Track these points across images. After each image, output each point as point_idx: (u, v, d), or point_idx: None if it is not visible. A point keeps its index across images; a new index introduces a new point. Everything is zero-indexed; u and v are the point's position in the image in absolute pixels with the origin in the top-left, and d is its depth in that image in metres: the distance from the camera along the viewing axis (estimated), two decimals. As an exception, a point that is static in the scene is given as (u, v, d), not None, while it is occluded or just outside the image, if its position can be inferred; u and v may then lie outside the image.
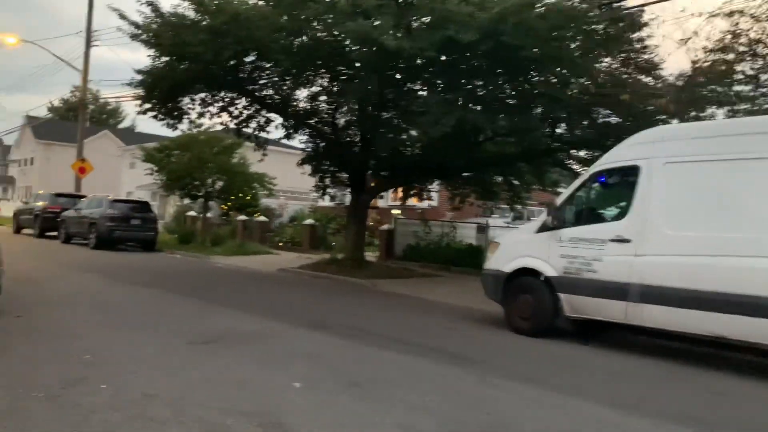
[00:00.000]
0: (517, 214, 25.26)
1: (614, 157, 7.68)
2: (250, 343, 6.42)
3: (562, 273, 7.66)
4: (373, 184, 15.35)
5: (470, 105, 9.44)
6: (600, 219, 7.76)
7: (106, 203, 19.18)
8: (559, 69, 9.45)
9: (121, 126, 61.86)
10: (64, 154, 44.44)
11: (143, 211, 19.72)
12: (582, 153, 15.44)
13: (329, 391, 4.83)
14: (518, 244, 8.35)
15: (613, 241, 7.18)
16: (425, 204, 17.45)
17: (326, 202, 33.54)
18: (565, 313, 7.62)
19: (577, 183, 7.97)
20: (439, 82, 9.45)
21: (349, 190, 15.72)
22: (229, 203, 25.34)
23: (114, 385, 4.64)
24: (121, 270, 13.60)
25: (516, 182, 17.04)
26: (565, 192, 8.15)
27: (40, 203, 23.29)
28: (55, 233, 21.78)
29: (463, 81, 9.46)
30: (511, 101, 10.46)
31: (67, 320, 7.25)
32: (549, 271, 7.77)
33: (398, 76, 10.52)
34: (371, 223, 25.07)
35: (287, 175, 26.56)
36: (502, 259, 8.38)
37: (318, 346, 6.49)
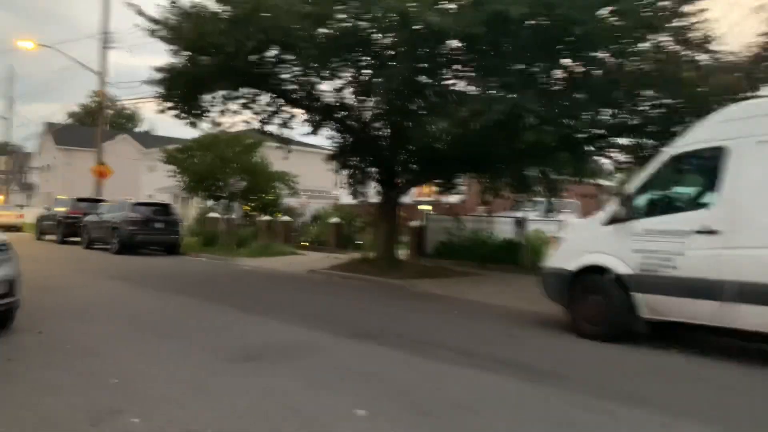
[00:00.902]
0: (549, 206, 24.43)
1: (695, 138, 6.82)
2: (295, 359, 5.70)
3: (637, 270, 6.84)
4: (402, 180, 14.58)
5: (521, 89, 8.60)
6: (680, 208, 6.90)
7: (127, 207, 18.67)
8: (616, 46, 8.58)
9: (139, 130, 61.84)
10: (84, 160, 44.39)
11: (165, 213, 19.19)
12: (623, 141, 14.60)
13: (396, 421, 4.09)
14: (584, 239, 7.53)
15: (698, 232, 6.34)
16: (454, 199, 16.63)
17: (348, 199, 32.98)
18: (642, 315, 6.80)
19: (651, 168, 7.12)
20: (484, 64, 8.61)
21: (377, 186, 14.95)
22: (252, 203, 24.79)
23: (150, 418, 3.95)
24: (145, 276, 13.02)
25: (552, 174, 16.17)
26: (637, 178, 7.31)
27: (61, 209, 22.93)
28: (77, 239, 21.39)
29: (510, 63, 8.62)
30: (560, 85, 9.58)
31: (92, 335, 6.61)
32: (621, 268, 6.96)
33: (437, 60, 9.68)
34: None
35: (307, 174, 25.99)
36: (565, 257, 7.58)
37: (371, 361, 5.75)
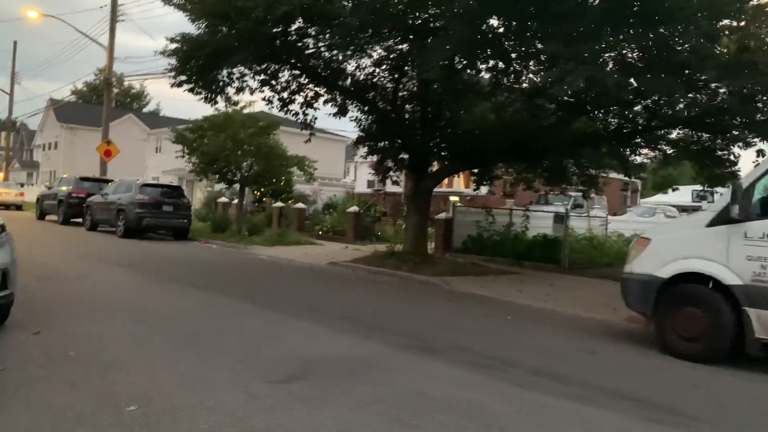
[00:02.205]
0: (577, 201, 23.30)
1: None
2: (349, 379, 4.60)
3: (750, 281, 5.73)
4: (435, 168, 13.44)
5: (598, 62, 7.45)
6: (812, 209, 5.78)
7: (135, 188, 17.55)
8: (710, 19, 7.40)
9: (145, 110, 60.61)
10: (88, 138, 43.27)
11: (175, 196, 18.07)
12: (674, 134, 13.45)
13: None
14: (680, 242, 6.39)
15: (839, 239, 5.22)
16: (477, 191, 15.50)
17: (363, 188, 31.79)
18: (755, 335, 5.69)
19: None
20: (551, 32, 7.43)
21: (408, 173, 13.81)
22: (263, 189, 23.66)
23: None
24: (155, 263, 11.93)
25: (593, 166, 15.02)
26: (754, 171, 6.18)
27: (64, 188, 21.81)
28: (80, 220, 20.30)
29: (585, 31, 7.44)
30: (640, 61, 8.38)
31: (99, 338, 5.51)
32: (729, 277, 5.84)
33: (497, 28, 8.46)
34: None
35: (318, 161, 24.83)
36: (654, 261, 6.44)
37: (446, 385, 4.63)
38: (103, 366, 4.61)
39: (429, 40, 8.90)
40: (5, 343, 5.21)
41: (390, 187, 29.08)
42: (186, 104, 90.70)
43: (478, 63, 9.39)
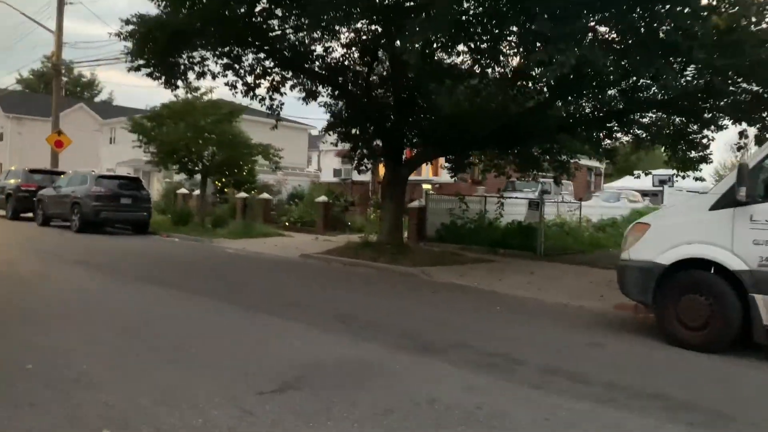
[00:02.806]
0: (544, 187, 23.25)
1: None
2: (353, 387, 4.16)
3: (756, 266, 5.51)
4: (409, 156, 13.02)
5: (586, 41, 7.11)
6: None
7: (90, 180, 16.57)
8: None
9: (97, 99, 58.21)
10: (36, 129, 41.19)
11: (134, 188, 17.16)
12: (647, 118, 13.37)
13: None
14: (682, 226, 6.14)
15: None
16: (454, 178, 15.17)
17: (329, 177, 31.23)
18: (765, 322, 5.48)
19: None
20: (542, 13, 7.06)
21: (382, 160, 13.37)
22: (225, 179, 22.83)
23: None
24: (116, 260, 11.19)
25: (564, 152, 14.88)
26: (759, 151, 5.96)
27: (12, 181, 20.55)
28: (30, 214, 19.15)
29: (570, 10, 7.09)
30: (625, 41, 8.09)
31: (62, 348, 4.91)
32: (735, 263, 5.62)
33: (479, 6, 8.04)
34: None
35: (283, 150, 24.12)
36: (654, 247, 6.18)
37: (459, 391, 4.22)
38: (69, 382, 4.05)
39: (410, 19, 8.41)
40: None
41: (357, 176, 28.67)
42: (140, 93, 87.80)
43: (460, 44, 8.96)
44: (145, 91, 68.68)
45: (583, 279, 10.69)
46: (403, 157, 12.99)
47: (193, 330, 5.79)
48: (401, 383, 4.29)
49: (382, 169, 27.11)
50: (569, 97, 10.29)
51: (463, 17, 7.89)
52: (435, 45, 8.81)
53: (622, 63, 7.52)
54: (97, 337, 5.35)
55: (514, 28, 8.26)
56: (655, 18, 7.76)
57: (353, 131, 13.10)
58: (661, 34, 7.65)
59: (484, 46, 8.60)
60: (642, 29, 7.64)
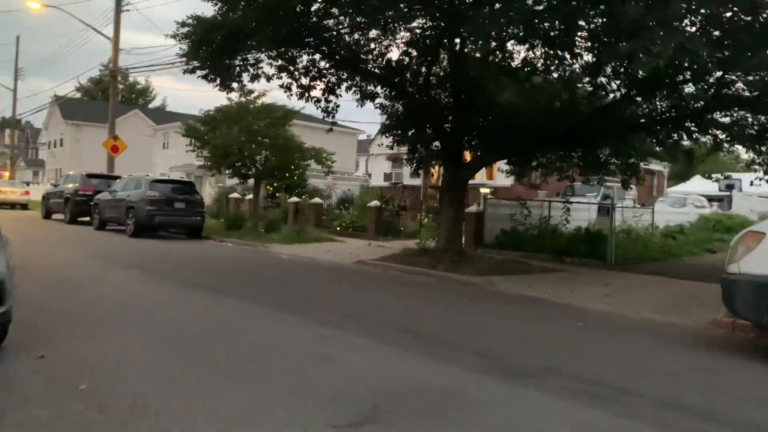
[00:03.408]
0: (606, 193, 22.17)
1: None
2: (441, 421, 3.59)
3: None
4: (471, 156, 12.39)
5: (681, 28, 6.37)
6: None
7: (145, 184, 16.58)
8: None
9: (151, 106, 59.67)
10: (94, 135, 42.38)
11: (188, 192, 17.09)
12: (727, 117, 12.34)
13: None
14: (809, 237, 5.35)
15: None
16: (519, 181, 14.42)
17: (379, 181, 30.79)
18: None
19: None
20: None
21: (442, 163, 12.76)
22: (276, 183, 22.67)
23: None
24: (171, 265, 10.96)
25: (636, 154, 13.93)
26: None
27: (70, 185, 20.86)
28: (87, 218, 19.37)
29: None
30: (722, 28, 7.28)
31: (116, 363, 4.53)
32: None
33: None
34: (435, 204, 22.25)
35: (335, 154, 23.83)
36: (774, 260, 5.40)
37: (569, 428, 3.61)
38: (124, 406, 3.62)
39: (478, 11, 7.82)
40: (4, 371, 4.24)
41: (408, 180, 28.14)
42: (192, 99, 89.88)
43: (532, 36, 8.29)
44: (197, 98, 70.24)
45: (664, 291, 9.83)
46: (463, 159, 12.36)
47: (254, 344, 5.33)
48: (494, 417, 3.69)
49: (435, 173, 26.51)
50: (648, 94, 9.47)
51: (537, 6, 7.23)
52: (504, 37, 8.18)
53: (720, 54, 6.73)
54: (154, 350, 4.96)
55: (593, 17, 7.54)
56: (755, 4, 6.93)
57: (410, 133, 12.54)
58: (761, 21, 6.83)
59: (558, 38, 7.89)
60: (740, 14, 6.83)
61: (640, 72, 6.80)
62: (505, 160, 13.46)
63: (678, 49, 6.03)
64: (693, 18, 6.80)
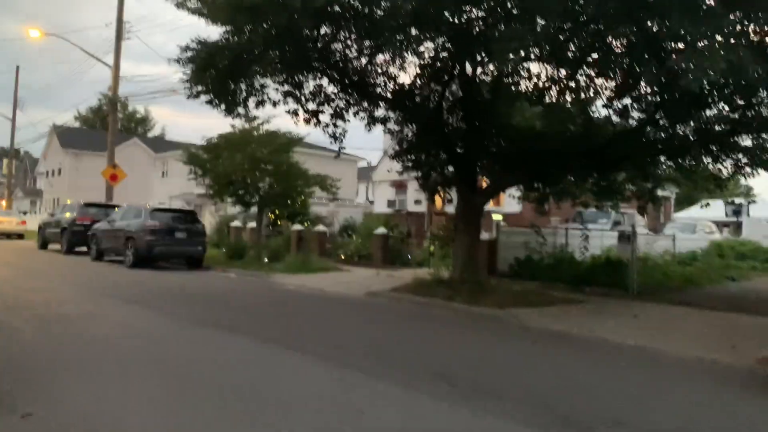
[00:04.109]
0: (616, 219, 21.67)
1: None
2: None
3: None
4: (487, 182, 11.90)
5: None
6: None
7: (145, 213, 16.04)
8: None
9: (150, 134, 59.48)
10: (92, 163, 41.99)
11: (189, 221, 16.55)
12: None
13: None
14: None
15: None
16: (541, 208, 13.95)
17: (382, 208, 30.36)
18: None
19: None
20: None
21: (456, 189, 12.25)
22: (279, 211, 22.15)
23: None
24: (173, 299, 10.35)
25: (654, 179, 13.47)
26: None
27: (67, 215, 20.32)
28: (84, 249, 18.78)
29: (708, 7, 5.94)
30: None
31: (118, 423, 3.92)
32: None
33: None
34: (441, 231, 21.70)
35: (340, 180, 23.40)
36: None
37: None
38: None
39: (505, 27, 7.39)
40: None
41: (412, 207, 27.70)
42: (191, 128, 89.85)
43: (561, 52, 7.85)
44: (196, 127, 70.06)
45: (697, 324, 9.24)
46: (477, 185, 11.87)
47: (267, 391, 4.73)
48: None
49: (440, 199, 26.04)
50: (677, 116, 9.03)
51: (571, 23, 6.80)
52: (528, 55, 7.74)
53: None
54: (159, 403, 4.35)
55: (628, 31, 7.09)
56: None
57: (423, 157, 12.05)
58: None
59: (591, 56, 7.45)
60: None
61: (677, 92, 6.33)
62: (521, 186, 12.93)
63: (728, 64, 5.56)
64: (742, 31, 6.35)
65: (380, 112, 12.95)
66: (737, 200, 30.52)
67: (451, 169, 11.98)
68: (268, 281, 14.16)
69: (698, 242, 22.10)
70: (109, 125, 24.70)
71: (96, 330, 7.12)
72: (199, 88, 12.08)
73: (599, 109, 11.50)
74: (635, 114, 9.90)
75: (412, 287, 11.93)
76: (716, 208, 31.93)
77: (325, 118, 12.66)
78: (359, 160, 41.18)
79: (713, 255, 20.22)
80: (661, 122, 9.65)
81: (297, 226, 20.49)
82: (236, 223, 23.44)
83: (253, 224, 22.17)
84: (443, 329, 8.51)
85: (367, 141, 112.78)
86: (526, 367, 6.15)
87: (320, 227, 20.68)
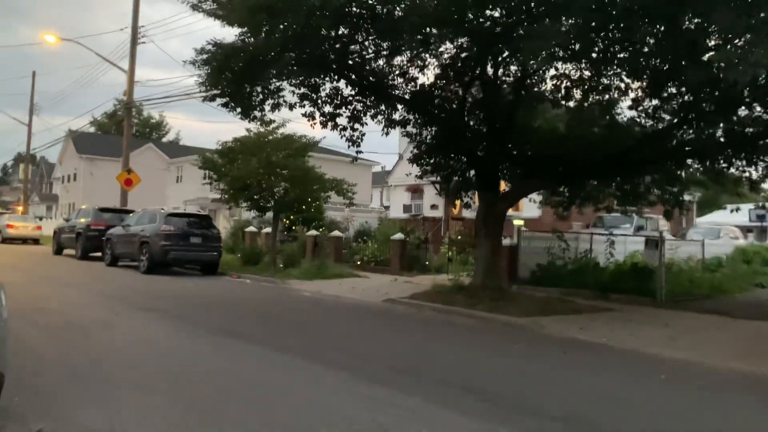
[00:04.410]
0: (639, 223, 21.18)
1: None
2: None
3: None
4: (510, 186, 11.57)
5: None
6: None
7: (160, 218, 15.87)
8: None
9: (164, 140, 59.73)
10: (107, 169, 42.09)
11: (204, 227, 16.37)
12: None
13: None
14: None
15: None
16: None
17: (398, 213, 30.04)
18: None
19: None
20: None
21: (477, 193, 11.93)
22: (293, 216, 21.91)
23: None
24: (189, 306, 10.11)
25: (681, 183, 13.07)
26: None
27: (82, 220, 20.23)
28: (99, 254, 18.67)
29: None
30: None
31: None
32: None
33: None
34: (458, 237, 21.35)
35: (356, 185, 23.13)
36: None
37: None
38: None
39: (530, 25, 7.09)
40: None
41: (428, 212, 27.36)
42: (206, 133, 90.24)
43: (590, 51, 7.54)
44: (210, 132, 70.39)
45: (732, 333, 8.86)
46: (499, 189, 11.55)
47: (290, 408, 4.45)
48: None
49: (456, 205, 25.67)
50: (711, 117, 8.67)
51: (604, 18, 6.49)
52: (557, 52, 7.42)
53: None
54: (177, 419, 4.09)
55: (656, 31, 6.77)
56: None
57: (443, 161, 11.74)
58: None
59: (622, 54, 7.13)
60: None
61: (716, 90, 5.99)
62: (544, 190, 12.57)
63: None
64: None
65: (398, 115, 12.72)
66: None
67: (472, 173, 11.66)
68: (283, 288, 13.92)
69: (723, 248, 21.53)
70: (124, 130, 24.68)
71: (111, 340, 6.89)
72: (215, 90, 11.93)
73: (624, 111, 11.22)
74: (664, 116, 9.53)
75: (431, 294, 11.62)
76: (740, 214, 31.36)
77: (341, 121, 12.44)
78: (374, 164, 40.87)
79: (739, 261, 19.67)
80: (693, 123, 9.27)
81: (312, 232, 20.25)
82: (251, 228, 23.25)
83: (268, 229, 21.98)
84: (467, 339, 8.20)
85: (382, 145, 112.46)
86: (560, 381, 5.81)
87: (336, 233, 20.42)
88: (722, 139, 10.44)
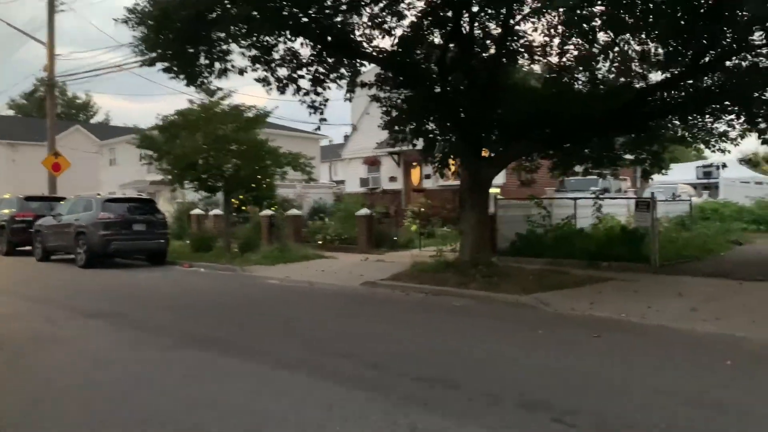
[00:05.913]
0: (605, 185, 20.74)
1: None
2: None
3: None
4: (495, 151, 10.56)
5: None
6: None
7: (96, 205, 14.09)
8: None
9: (93, 121, 55.80)
10: (31, 154, 38.66)
11: (148, 212, 14.71)
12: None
13: None
14: None
15: None
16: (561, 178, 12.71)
17: (354, 187, 28.72)
18: None
19: None
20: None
21: (460, 159, 10.86)
22: (243, 195, 20.29)
23: None
24: (144, 308, 8.63)
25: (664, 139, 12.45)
26: None
27: (6, 211, 18.06)
28: (28, 248, 16.67)
29: None
30: None
31: None
32: None
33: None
34: (422, 209, 20.38)
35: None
36: None
37: None
38: None
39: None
40: None
41: (387, 184, 26.20)
42: (137, 113, 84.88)
43: None
44: (142, 112, 66.14)
45: (753, 299, 8.21)
46: (491, 153, 10.53)
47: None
48: None
49: (414, 175, 24.63)
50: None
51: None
52: None
53: None
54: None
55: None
56: None
57: (422, 127, 10.55)
58: None
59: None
60: None
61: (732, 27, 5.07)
62: (534, 154, 11.61)
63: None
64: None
65: (365, 77, 11.46)
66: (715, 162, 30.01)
67: (454, 139, 10.56)
68: (245, 276, 12.55)
69: (682, 206, 21.47)
70: (48, 109, 22.25)
71: (53, 359, 5.49)
72: (154, 54, 10.33)
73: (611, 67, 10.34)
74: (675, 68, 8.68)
75: (414, 274, 10.56)
76: (686, 171, 31.70)
77: (305, 83, 11.07)
78: (321, 138, 39.25)
79: (699, 218, 19.60)
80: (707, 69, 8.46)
81: (266, 211, 18.78)
82: (197, 211, 21.53)
83: (216, 211, 20.35)
84: (473, 325, 7.19)
85: (330, 116, 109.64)
86: (636, 382, 4.68)
87: (294, 211, 19.04)
88: (710, 92, 9.73)
